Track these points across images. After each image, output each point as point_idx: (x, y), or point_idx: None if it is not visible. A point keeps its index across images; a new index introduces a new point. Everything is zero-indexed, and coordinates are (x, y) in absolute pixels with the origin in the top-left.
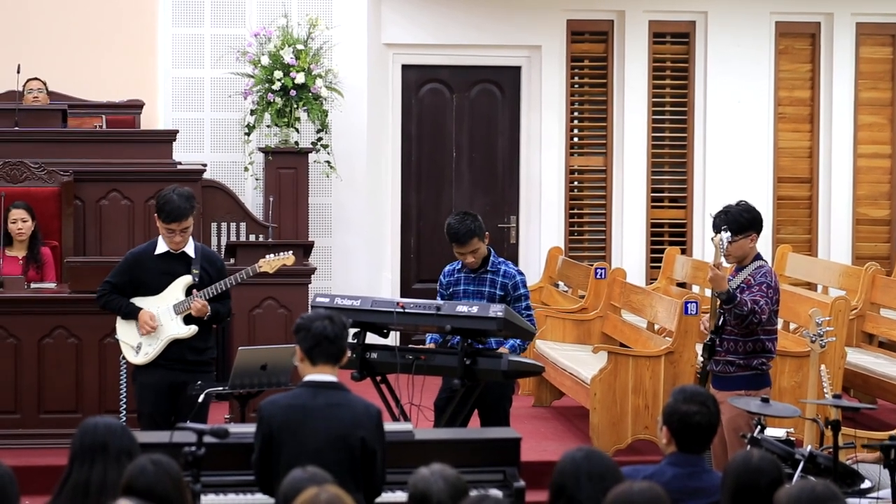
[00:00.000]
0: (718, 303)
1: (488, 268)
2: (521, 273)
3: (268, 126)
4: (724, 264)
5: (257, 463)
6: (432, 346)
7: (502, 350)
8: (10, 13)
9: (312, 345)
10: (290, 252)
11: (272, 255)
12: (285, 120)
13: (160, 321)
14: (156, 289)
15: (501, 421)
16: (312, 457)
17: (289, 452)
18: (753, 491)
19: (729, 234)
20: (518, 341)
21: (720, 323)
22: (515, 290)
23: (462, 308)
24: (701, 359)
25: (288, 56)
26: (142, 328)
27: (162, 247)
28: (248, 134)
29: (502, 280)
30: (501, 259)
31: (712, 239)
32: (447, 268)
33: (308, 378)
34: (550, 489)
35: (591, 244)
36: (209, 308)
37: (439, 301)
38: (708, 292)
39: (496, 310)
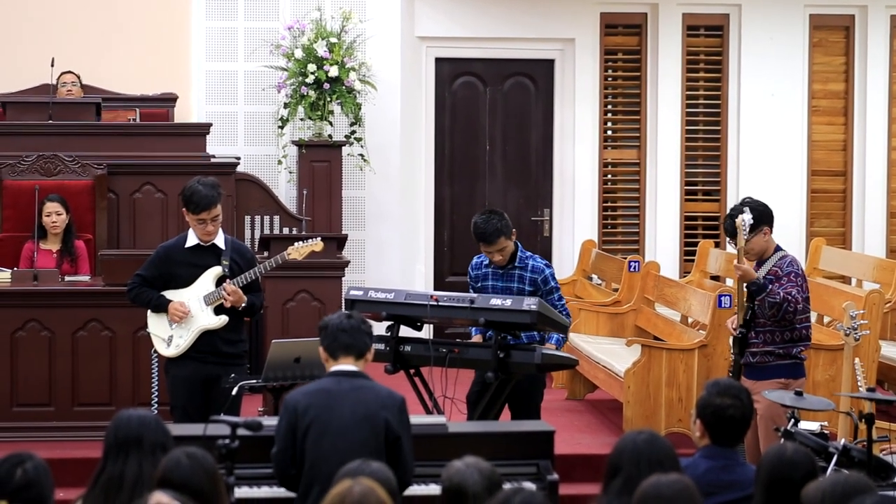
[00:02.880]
0: (745, 296)
1: (516, 263)
2: (549, 266)
3: (301, 119)
4: (743, 240)
5: (277, 456)
6: (479, 337)
7: (548, 346)
8: (44, 7)
9: (331, 340)
10: (319, 238)
11: (300, 243)
12: (319, 113)
13: (190, 309)
14: (186, 281)
15: (532, 415)
16: (337, 436)
17: (314, 433)
18: (787, 483)
19: (750, 216)
20: (561, 335)
21: (748, 316)
22: (546, 283)
23: (496, 301)
24: (732, 354)
25: (321, 49)
26: (173, 317)
27: (192, 240)
28: (281, 127)
29: (531, 275)
30: (529, 253)
31: (735, 221)
32: (474, 260)
33: (332, 370)
34: (607, 467)
35: (624, 237)
36: (245, 298)
37: (473, 294)
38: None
39: (530, 303)
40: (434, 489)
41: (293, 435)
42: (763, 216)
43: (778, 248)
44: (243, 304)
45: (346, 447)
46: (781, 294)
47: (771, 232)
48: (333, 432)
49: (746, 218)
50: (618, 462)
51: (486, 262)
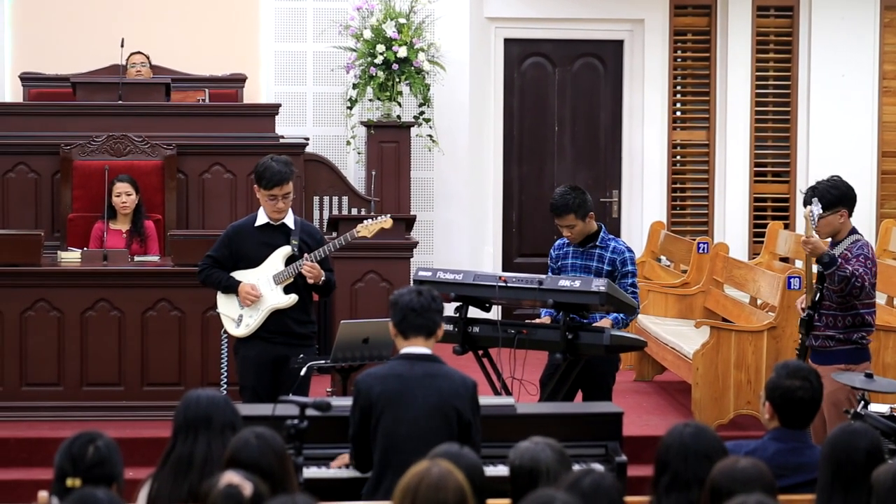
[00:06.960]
0: (815, 277)
1: (597, 243)
2: (630, 250)
3: (370, 100)
4: (815, 237)
5: (355, 438)
6: (547, 319)
7: (605, 321)
8: None
9: (401, 318)
10: (388, 215)
11: (370, 220)
12: (387, 94)
13: (260, 291)
14: (256, 260)
15: (605, 397)
16: (409, 425)
17: (387, 421)
18: (852, 454)
19: (819, 206)
20: (622, 315)
21: (817, 298)
22: (623, 266)
23: (564, 282)
24: (799, 335)
25: (390, 30)
26: (244, 300)
27: (262, 219)
28: (350, 108)
29: (611, 255)
30: (612, 236)
31: (804, 215)
32: (558, 241)
33: (403, 351)
34: (655, 463)
35: (693, 219)
36: (322, 273)
37: (542, 275)
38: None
39: (599, 284)
40: (502, 470)
41: (367, 419)
42: (844, 197)
43: (853, 231)
44: (322, 279)
45: (419, 436)
46: (850, 269)
47: (849, 215)
48: (407, 421)
49: (815, 209)
50: (665, 458)
51: (568, 242)
